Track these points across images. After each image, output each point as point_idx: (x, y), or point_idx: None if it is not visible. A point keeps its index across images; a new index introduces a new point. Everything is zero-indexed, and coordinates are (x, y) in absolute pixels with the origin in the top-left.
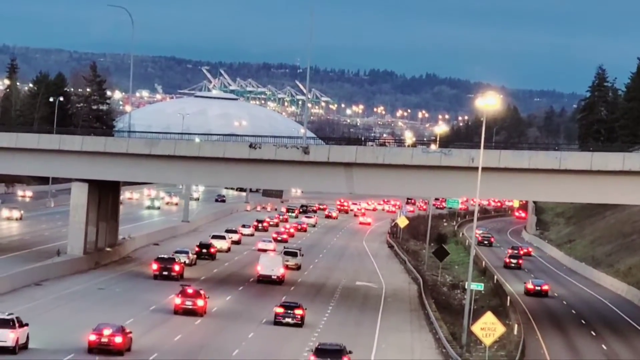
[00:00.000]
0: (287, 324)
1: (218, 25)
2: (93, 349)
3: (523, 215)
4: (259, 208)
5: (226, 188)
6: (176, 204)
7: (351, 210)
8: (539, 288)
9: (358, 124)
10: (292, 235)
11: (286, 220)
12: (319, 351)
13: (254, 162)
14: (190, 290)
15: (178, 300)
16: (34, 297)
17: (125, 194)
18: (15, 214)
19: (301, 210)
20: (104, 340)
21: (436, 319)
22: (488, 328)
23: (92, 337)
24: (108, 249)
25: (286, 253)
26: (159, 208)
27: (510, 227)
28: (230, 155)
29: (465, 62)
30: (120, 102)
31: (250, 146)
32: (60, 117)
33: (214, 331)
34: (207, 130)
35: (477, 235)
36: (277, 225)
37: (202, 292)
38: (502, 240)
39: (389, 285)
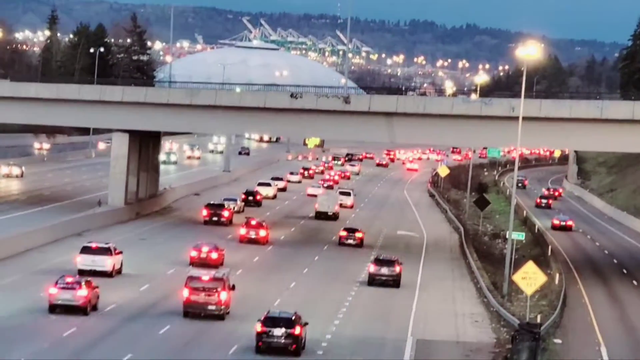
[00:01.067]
0: (350, 245)
1: None
2: (193, 263)
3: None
4: (300, 157)
5: (247, 138)
6: (198, 158)
7: (398, 159)
8: (563, 223)
9: (398, 74)
10: (336, 182)
11: (331, 168)
12: (377, 261)
13: (295, 112)
14: (254, 222)
15: (243, 231)
16: (76, 248)
17: None
18: (15, 170)
19: (347, 158)
20: (203, 255)
21: (477, 268)
22: (529, 277)
23: (193, 254)
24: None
25: (341, 193)
26: (175, 163)
27: (551, 177)
28: (271, 105)
29: (505, 12)
30: (161, 53)
31: (292, 96)
32: (101, 68)
33: (285, 255)
34: (248, 80)
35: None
36: (322, 172)
37: (264, 223)
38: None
39: (430, 235)
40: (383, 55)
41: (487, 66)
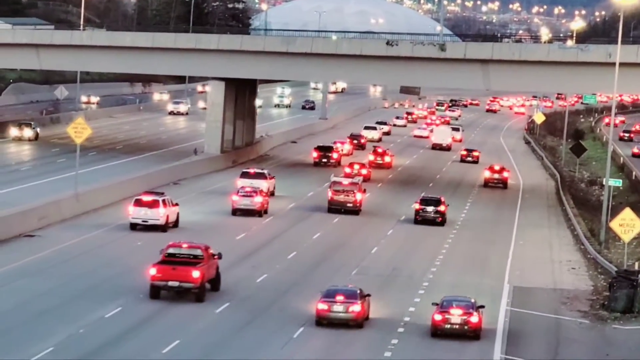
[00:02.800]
0: (469, 162)
1: None
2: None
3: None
4: (396, 105)
5: (314, 88)
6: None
7: (502, 105)
8: None
9: (494, 20)
10: (447, 123)
11: (433, 113)
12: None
13: (391, 60)
14: (380, 150)
15: (371, 157)
16: (172, 196)
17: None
18: (28, 133)
19: (450, 104)
20: (354, 172)
21: (574, 215)
22: (627, 224)
23: (347, 170)
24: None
25: (452, 129)
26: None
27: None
28: (367, 53)
29: None
30: (256, 1)
31: (387, 43)
32: (196, 16)
33: (409, 175)
34: (344, 28)
35: (621, 134)
36: (425, 117)
37: (389, 151)
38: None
39: (526, 182)
40: (478, 2)
41: (583, 12)
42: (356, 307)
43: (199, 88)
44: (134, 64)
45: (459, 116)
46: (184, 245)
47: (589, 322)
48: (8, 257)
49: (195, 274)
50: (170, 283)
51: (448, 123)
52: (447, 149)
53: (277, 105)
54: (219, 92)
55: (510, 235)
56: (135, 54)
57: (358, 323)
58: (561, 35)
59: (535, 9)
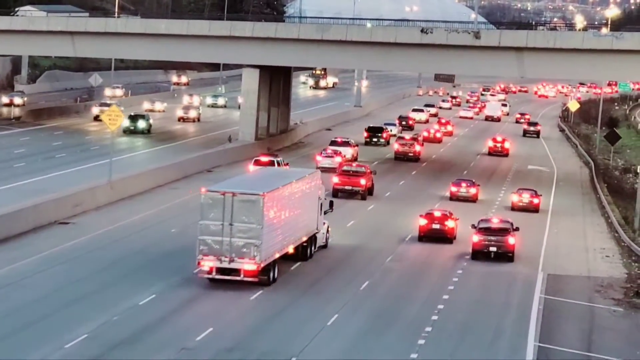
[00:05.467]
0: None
1: None
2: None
3: None
4: (430, 92)
5: (303, 83)
6: (194, 120)
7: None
8: None
9: (528, 8)
10: (481, 109)
11: (478, 98)
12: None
13: (425, 47)
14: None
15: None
16: (206, 184)
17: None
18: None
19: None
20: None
21: (608, 203)
22: None
23: (425, 134)
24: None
25: (502, 104)
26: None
27: None
28: (402, 40)
29: None
30: None
31: (422, 31)
32: (231, 3)
33: (458, 149)
34: (378, 15)
35: None
36: (467, 102)
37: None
38: None
39: (560, 169)
40: None
41: None
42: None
43: (174, 78)
44: (168, 52)
45: (504, 99)
46: (354, 165)
47: (622, 310)
48: (44, 244)
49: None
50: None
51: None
52: (498, 120)
53: (212, 106)
54: (254, 79)
55: (545, 222)
56: (169, 41)
57: None
58: (596, 22)
59: None
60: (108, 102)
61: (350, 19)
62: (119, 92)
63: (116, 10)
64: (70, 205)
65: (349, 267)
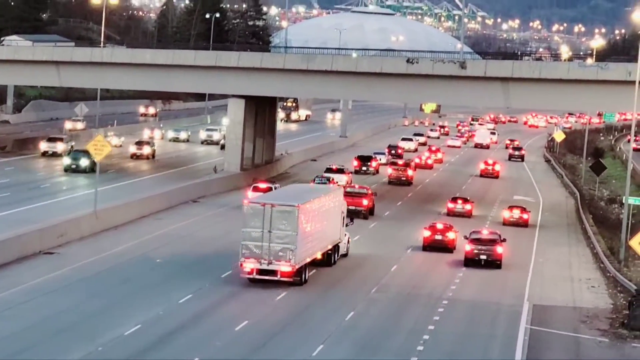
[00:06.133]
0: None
1: None
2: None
3: None
4: (416, 123)
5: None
6: (148, 157)
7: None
8: None
9: (514, 38)
10: (469, 139)
11: (466, 126)
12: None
13: (411, 77)
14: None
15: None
16: (191, 214)
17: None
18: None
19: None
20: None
21: (593, 234)
22: None
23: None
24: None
25: (491, 132)
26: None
27: None
28: (388, 70)
29: None
30: (277, 18)
31: (408, 61)
32: (217, 33)
33: (449, 174)
34: (364, 45)
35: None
36: (459, 130)
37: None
38: None
39: (546, 200)
40: (499, 20)
41: (603, 30)
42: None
43: (141, 109)
44: (154, 82)
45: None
46: (357, 186)
47: (608, 340)
48: (28, 274)
49: (364, 202)
50: (350, 207)
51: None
52: (487, 147)
53: (174, 140)
54: (239, 109)
55: (530, 253)
56: (155, 71)
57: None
58: (581, 53)
59: (555, 27)
60: (59, 136)
61: (335, 49)
62: (80, 125)
63: (102, 40)
64: (55, 236)
65: (363, 271)
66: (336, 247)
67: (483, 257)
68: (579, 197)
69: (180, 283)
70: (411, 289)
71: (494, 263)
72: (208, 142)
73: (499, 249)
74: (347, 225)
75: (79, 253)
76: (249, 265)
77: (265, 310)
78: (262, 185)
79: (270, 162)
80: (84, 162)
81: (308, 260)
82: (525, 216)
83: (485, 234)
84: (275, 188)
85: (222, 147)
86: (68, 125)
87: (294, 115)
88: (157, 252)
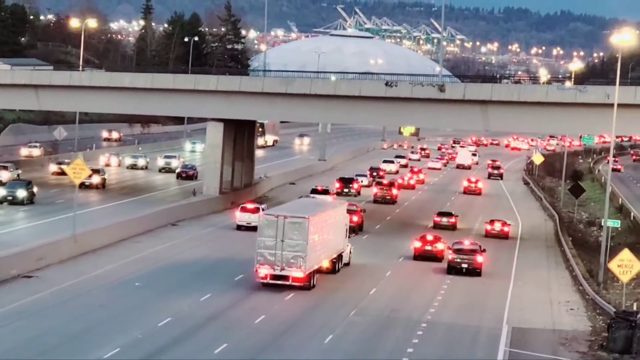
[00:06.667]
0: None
1: None
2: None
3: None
4: (395, 146)
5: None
6: (97, 187)
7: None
8: None
9: (493, 61)
10: (448, 161)
11: (448, 149)
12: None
13: (390, 100)
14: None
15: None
16: (170, 237)
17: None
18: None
19: (463, 144)
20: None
21: (572, 256)
22: (625, 265)
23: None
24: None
25: (472, 154)
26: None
27: None
28: (366, 94)
29: None
30: (255, 42)
31: (386, 84)
32: (195, 57)
33: (432, 194)
34: (343, 68)
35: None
36: (443, 152)
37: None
38: (638, 177)
39: (525, 222)
40: (477, 43)
41: (581, 53)
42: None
43: (104, 134)
44: (133, 105)
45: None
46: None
47: None
48: (6, 298)
49: (354, 218)
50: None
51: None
52: (468, 168)
53: (132, 167)
54: (218, 133)
55: (509, 275)
56: (134, 94)
57: None
58: (560, 76)
59: (534, 50)
60: (3, 164)
61: (314, 72)
62: (36, 151)
63: (81, 63)
64: (34, 259)
65: (361, 277)
66: (340, 257)
67: (464, 265)
68: (558, 220)
69: (159, 306)
70: (390, 312)
71: (474, 271)
72: (166, 169)
73: (479, 258)
74: (349, 237)
75: (58, 276)
76: (264, 271)
77: (242, 334)
78: (250, 206)
79: (249, 185)
80: (21, 194)
81: (316, 267)
82: (505, 229)
83: (466, 244)
84: (262, 209)
85: (178, 175)
86: (24, 151)
87: (260, 141)
88: (136, 276)
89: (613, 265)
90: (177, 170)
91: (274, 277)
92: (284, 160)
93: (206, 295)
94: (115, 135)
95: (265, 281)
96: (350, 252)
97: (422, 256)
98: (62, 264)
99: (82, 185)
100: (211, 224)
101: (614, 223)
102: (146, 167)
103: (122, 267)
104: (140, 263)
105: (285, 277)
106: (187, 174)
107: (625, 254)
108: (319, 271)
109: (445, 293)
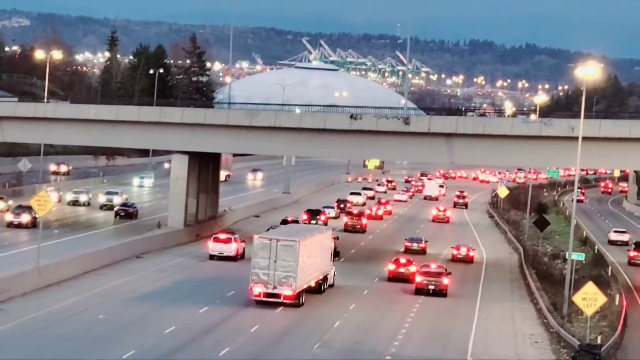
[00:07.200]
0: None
1: None
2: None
3: (610, 186)
4: (359, 179)
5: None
6: (27, 226)
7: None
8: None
9: (458, 94)
10: (419, 192)
11: (415, 181)
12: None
13: (355, 133)
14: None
15: (346, 219)
16: (134, 270)
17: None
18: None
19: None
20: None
21: (537, 289)
22: (589, 298)
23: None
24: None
25: (439, 185)
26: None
27: (611, 197)
28: (331, 126)
29: (565, 32)
30: (220, 74)
31: (351, 117)
32: (160, 89)
33: (399, 224)
34: (308, 101)
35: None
36: (412, 184)
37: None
38: (603, 211)
39: (490, 255)
40: (443, 76)
41: (546, 86)
42: None
43: (52, 167)
44: (98, 137)
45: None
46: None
47: None
48: None
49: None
50: None
51: (421, 192)
52: (436, 199)
53: (73, 203)
54: (183, 165)
55: (474, 309)
56: (99, 126)
57: None
58: (525, 109)
59: (499, 83)
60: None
61: (279, 104)
62: None
63: (46, 95)
64: None
65: (341, 295)
66: (325, 278)
67: (431, 287)
68: (522, 253)
69: (123, 339)
70: (354, 344)
71: (440, 292)
72: (108, 206)
73: (445, 280)
74: (334, 260)
75: (21, 309)
76: (257, 289)
77: None
78: (222, 236)
79: (213, 217)
80: None
81: (305, 286)
82: (471, 253)
83: (433, 267)
84: (234, 239)
85: (116, 214)
86: None
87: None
88: (100, 308)
89: (577, 298)
90: (115, 209)
91: (267, 294)
92: (249, 193)
93: (170, 328)
94: (64, 168)
95: (258, 299)
96: (334, 274)
97: (395, 278)
98: (25, 297)
99: (10, 225)
100: (175, 256)
101: (579, 256)
102: (88, 204)
103: (86, 299)
104: (104, 295)
105: (277, 295)
106: (127, 212)
107: (590, 287)
108: (307, 290)
109: (412, 321)
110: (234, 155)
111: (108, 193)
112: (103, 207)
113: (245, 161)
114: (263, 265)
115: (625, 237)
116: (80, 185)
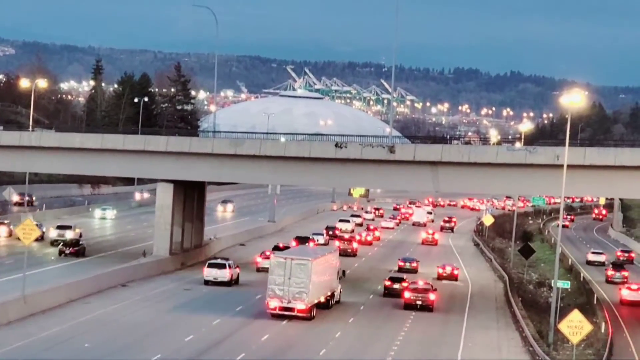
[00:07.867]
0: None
1: (303, 24)
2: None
3: (604, 212)
4: (345, 207)
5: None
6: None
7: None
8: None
9: (443, 122)
10: (406, 219)
11: (400, 209)
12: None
13: (340, 162)
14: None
15: (338, 243)
16: (119, 298)
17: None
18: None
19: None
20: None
21: (522, 317)
22: (575, 326)
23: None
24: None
25: (427, 212)
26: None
27: (596, 225)
28: (316, 155)
29: (549, 59)
30: (205, 102)
31: (336, 145)
32: (145, 117)
33: (388, 248)
34: (293, 129)
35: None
36: (400, 211)
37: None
38: (588, 239)
39: (475, 283)
40: (428, 104)
41: (531, 114)
42: None
43: (14, 197)
44: (83, 166)
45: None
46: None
47: None
48: None
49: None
50: None
51: (407, 219)
52: (424, 225)
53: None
54: (168, 194)
55: (459, 337)
56: (84, 155)
57: None
58: (510, 137)
59: (484, 111)
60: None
61: (264, 133)
62: None
63: (30, 123)
64: None
65: (344, 309)
66: (333, 295)
67: (419, 302)
68: (507, 281)
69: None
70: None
71: (427, 307)
72: (59, 242)
73: (432, 296)
74: (340, 278)
75: (5, 338)
76: (273, 303)
77: None
78: (219, 262)
79: (199, 246)
80: None
81: (316, 301)
82: (455, 272)
83: (420, 284)
84: (229, 265)
85: (61, 252)
86: None
87: None
88: (85, 337)
89: (563, 326)
90: (59, 246)
91: (283, 308)
92: (234, 222)
93: (156, 356)
94: (27, 198)
95: (274, 312)
96: (340, 291)
97: (390, 294)
98: (9, 325)
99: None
100: (160, 284)
101: (564, 284)
102: (42, 239)
103: (72, 328)
104: (90, 324)
105: (291, 309)
106: (72, 250)
107: (575, 315)
108: (317, 305)
109: (395, 353)
110: (218, 184)
111: (59, 227)
112: (54, 242)
113: (216, 191)
114: (279, 281)
115: (602, 258)
116: (38, 217)
